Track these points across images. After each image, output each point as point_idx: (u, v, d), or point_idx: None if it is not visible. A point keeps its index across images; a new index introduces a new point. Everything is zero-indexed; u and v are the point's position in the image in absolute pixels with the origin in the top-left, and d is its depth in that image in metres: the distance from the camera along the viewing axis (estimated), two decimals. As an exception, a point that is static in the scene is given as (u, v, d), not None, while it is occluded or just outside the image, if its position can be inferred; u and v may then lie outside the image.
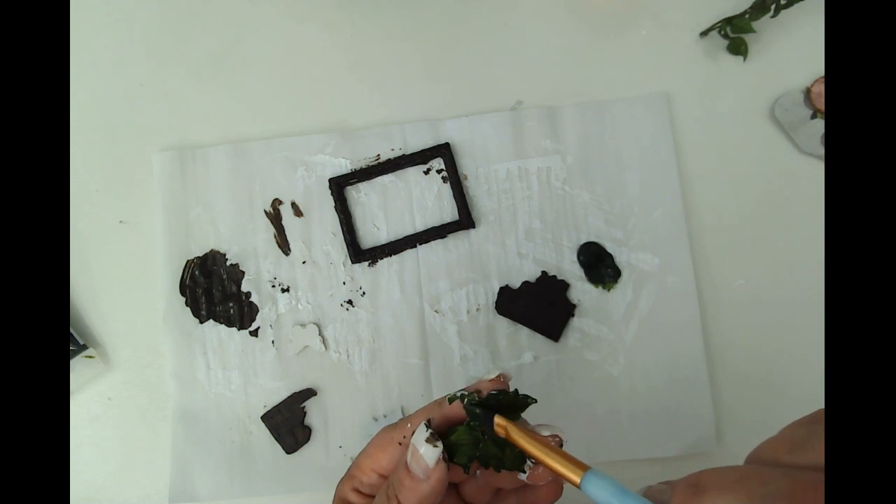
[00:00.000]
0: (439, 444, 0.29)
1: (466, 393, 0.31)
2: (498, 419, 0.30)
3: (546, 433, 0.31)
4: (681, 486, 0.26)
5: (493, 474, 0.31)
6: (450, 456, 0.30)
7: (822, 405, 0.28)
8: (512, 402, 0.31)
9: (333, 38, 0.57)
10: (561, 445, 0.31)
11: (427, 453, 0.29)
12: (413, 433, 0.31)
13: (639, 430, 0.51)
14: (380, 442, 0.33)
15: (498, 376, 0.32)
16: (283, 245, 0.54)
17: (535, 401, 0.32)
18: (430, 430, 0.30)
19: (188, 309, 0.53)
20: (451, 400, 0.31)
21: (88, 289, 0.55)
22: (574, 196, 0.54)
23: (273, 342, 0.53)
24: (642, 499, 0.28)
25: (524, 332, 0.52)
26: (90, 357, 0.53)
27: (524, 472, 0.31)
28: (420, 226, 0.54)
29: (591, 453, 0.51)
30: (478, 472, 0.32)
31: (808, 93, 0.54)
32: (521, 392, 0.32)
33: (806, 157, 0.54)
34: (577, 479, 0.28)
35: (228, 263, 0.54)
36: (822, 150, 0.53)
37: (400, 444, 0.32)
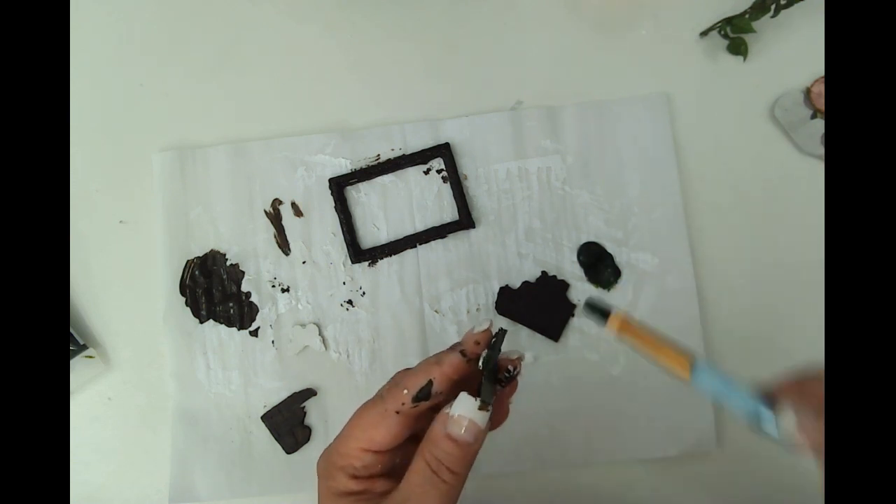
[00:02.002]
0: (490, 407, 0.31)
1: (485, 354, 0.33)
2: (615, 317, 0.33)
3: (514, 357, 0.34)
4: (787, 377, 0.30)
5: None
6: None
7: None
8: (501, 340, 0.34)
9: (333, 38, 0.57)
10: (517, 369, 0.34)
11: (479, 418, 0.31)
12: (438, 402, 0.32)
13: (639, 430, 0.51)
14: (370, 418, 0.33)
15: (489, 326, 0.34)
16: (283, 245, 0.54)
17: (506, 330, 0.34)
18: (479, 399, 0.31)
19: (188, 309, 0.53)
20: (486, 362, 0.33)
21: (88, 289, 0.55)
22: (574, 196, 0.54)
23: (273, 342, 0.53)
24: (744, 390, 0.31)
25: (524, 332, 0.52)
26: (90, 357, 0.53)
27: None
28: (420, 226, 0.54)
29: (591, 453, 0.51)
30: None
31: (808, 93, 0.54)
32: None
33: (806, 157, 0.54)
34: (686, 375, 0.32)
35: (228, 263, 0.54)
36: (822, 150, 0.53)
37: (398, 412, 0.32)
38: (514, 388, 0.35)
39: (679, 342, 0.33)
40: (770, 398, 0.30)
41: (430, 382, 0.32)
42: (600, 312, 0.34)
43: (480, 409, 0.31)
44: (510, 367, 0.34)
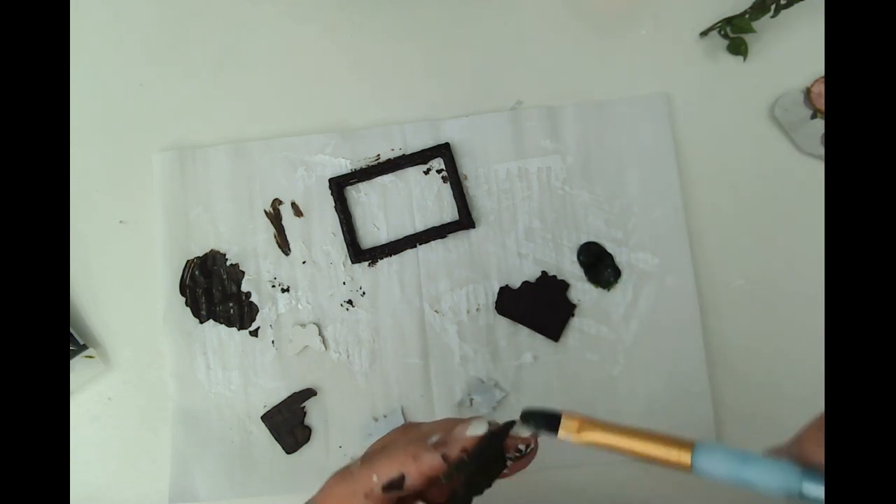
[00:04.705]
0: None
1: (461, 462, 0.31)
2: (567, 420, 0.30)
3: (526, 434, 0.32)
4: (812, 427, 0.27)
5: None
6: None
7: (821, 405, 0.28)
8: (499, 441, 0.32)
9: (333, 38, 0.57)
10: (530, 446, 0.32)
11: None
12: (412, 492, 0.30)
13: (639, 430, 0.51)
14: (339, 496, 0.31)
15: (485, 431, 0.31)
16: (283, 245, 0.54)
17: (511, 423, 0.32)
18: None
19: (188, 309, 0.53)
20: (462, 471, 0.30)
21: (88, 289, 0.55)
22: (574, 196, 0.54)
23: (273, 342, 0.53)
24: (765, 458, 0.27)
25: (524, 332, 0.52)
26: (90, 357, 0.53)
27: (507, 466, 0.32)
28: (420, 226, 0.54)
29: (590, 453, 0.51)
30: None
31: (808, 93, 0.54)
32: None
33: (806, 157, 0.54)
34: (686, 461, 0.28)
35: (228, 263, 0.54)
36: (822, 150, 0.53)
37: (367, 496, 0.30)
38: (529, 460, 0.33)
39: (664, 432, 0.28)
40: (800, 459, 0.26)
41: (403, 476, 0.30)
42: (544, 420, 0.30)
43: None
44: (520, 447, 0.32)
